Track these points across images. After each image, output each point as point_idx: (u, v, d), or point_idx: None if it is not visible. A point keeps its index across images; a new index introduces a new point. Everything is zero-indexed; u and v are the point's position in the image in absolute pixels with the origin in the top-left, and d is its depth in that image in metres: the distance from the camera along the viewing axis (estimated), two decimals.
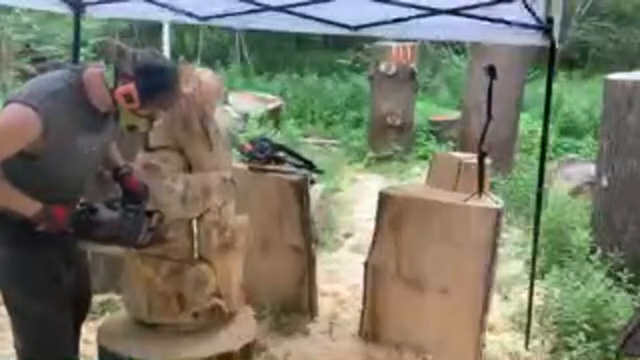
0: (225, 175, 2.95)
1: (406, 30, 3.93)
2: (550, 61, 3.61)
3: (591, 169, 5.59)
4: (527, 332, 3.81)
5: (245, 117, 8.91)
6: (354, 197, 7.02)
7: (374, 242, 3.73)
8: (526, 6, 3.18)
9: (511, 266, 5.05)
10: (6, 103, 2.23)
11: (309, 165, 4.14)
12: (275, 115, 9.86)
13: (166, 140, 2.85)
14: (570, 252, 4.54)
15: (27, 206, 2.26)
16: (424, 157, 8.74)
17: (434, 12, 3.60)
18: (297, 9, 3.86)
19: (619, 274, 4.08)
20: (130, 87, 2.27)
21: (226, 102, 9.21)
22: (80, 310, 2.68)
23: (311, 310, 4.04)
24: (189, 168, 2.88)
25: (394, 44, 8.75)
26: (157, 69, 2.33)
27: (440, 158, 4.08)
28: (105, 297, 3.98)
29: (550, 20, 3.33)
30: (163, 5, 4.06)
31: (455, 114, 9.50)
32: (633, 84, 4.51)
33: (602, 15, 14.79)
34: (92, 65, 2.46)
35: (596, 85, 10.26)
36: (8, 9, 9.44)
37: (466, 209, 3.48)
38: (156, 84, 2.31)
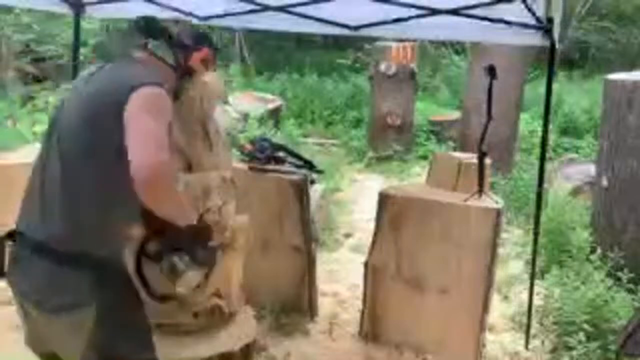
0: (225, 175, 2.95)
1: (406, 30, 3.93)
2: (550, 61, 3.61)
3: (591, 169, 5.59)
4: (527, 332, 3.81)
5: (245, 117, 8.91)
6: (354, 197, 7.02)
7: (374, 242, 3.73)
8: (526, 6, 3.18)
9: (511, 266, 5.05)
10: (130, 89, 1.87)
11: (309, 165, 4.14)
12: (275, 115, 9.86)
13: None
14: (570, 252, 4.55)
15: (190, 215, 1.97)
16: (424, 157, 8.74)
17: (434, 12, 3.59)
18: (297, 9, 3.86)
19: (619, 274, 4.08)
20: (206, 50, 2.28)
21: (226, 102, 9.20)
22: None
23: (311, 310, 4.04)
24: (189, 168, 2.89)
25: (394, 44, 8.75)
26: (207, 33, 2.43)
27: (440, 158, 4.08)
28: None
29: (550, 20, 3.33)
30: (163, 5, 4.06)
31: (455, 114, 9.50)
32: (633, 84, 4.50)
33: (602, 15, 14.78)
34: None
35: (596, 85, 10.26)
36: (8, 9, 9.44)
37: (466, 209, 3.48)
38: (215, 45, 2.37)
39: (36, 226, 1.91)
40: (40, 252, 1.87)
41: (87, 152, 1.88)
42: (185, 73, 2.25)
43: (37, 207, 1.91)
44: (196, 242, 2.01)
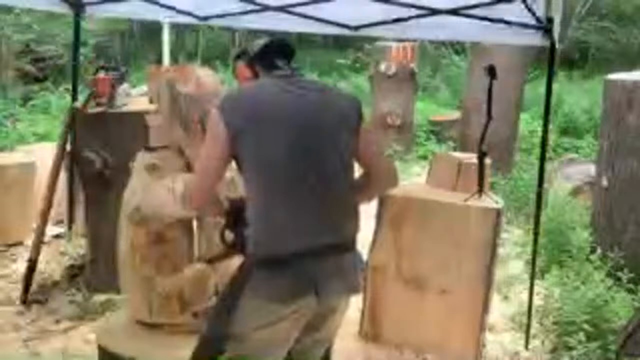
0: (225, 175, 2.94)
1: (406, 30, 3.93)
2: (550, 61, 3.61)
3: (591, 169, 5.59)
4: (527, 332, 3.81)
5: None
6: None
7: (374, 242, 3.73)
8: (526, 6, 3.19)
9: (511, 266, 5.05)
10: (360, 105, 2.35)
11: None
12: None
13: (166, 140, 2.85)
14: (570, 252, 4.54)
15: None
16: (424, 157, 8.73)
17: (434, 12, 3.60)
18: (297, 9, 3.87)
19: (619, 274, 4.08)
20: None
21: None
22: None
23: None
24: (188, 168, 2.88)
25: (394, 44, 8.75)
26: None
27: (440, 158, 4.08)
28: (105, 297, 3.98)
29: (550, 20, 3.33)
30: (163, 5, 4.06)
31: (455, 114, 9.49)
32: (633, 84, 4.50)
33: (602, 15, 14.79)
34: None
35: (596, 85, 10.25)
36: (8, 9, 9.45)
37: (466, 209, 3.48)
38: None
39: (322, 230, 2.13)
40: (340, 248, 2.17)
41: (345, 152, 2.23)
42: None
43: (315, 214, 2.12)
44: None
